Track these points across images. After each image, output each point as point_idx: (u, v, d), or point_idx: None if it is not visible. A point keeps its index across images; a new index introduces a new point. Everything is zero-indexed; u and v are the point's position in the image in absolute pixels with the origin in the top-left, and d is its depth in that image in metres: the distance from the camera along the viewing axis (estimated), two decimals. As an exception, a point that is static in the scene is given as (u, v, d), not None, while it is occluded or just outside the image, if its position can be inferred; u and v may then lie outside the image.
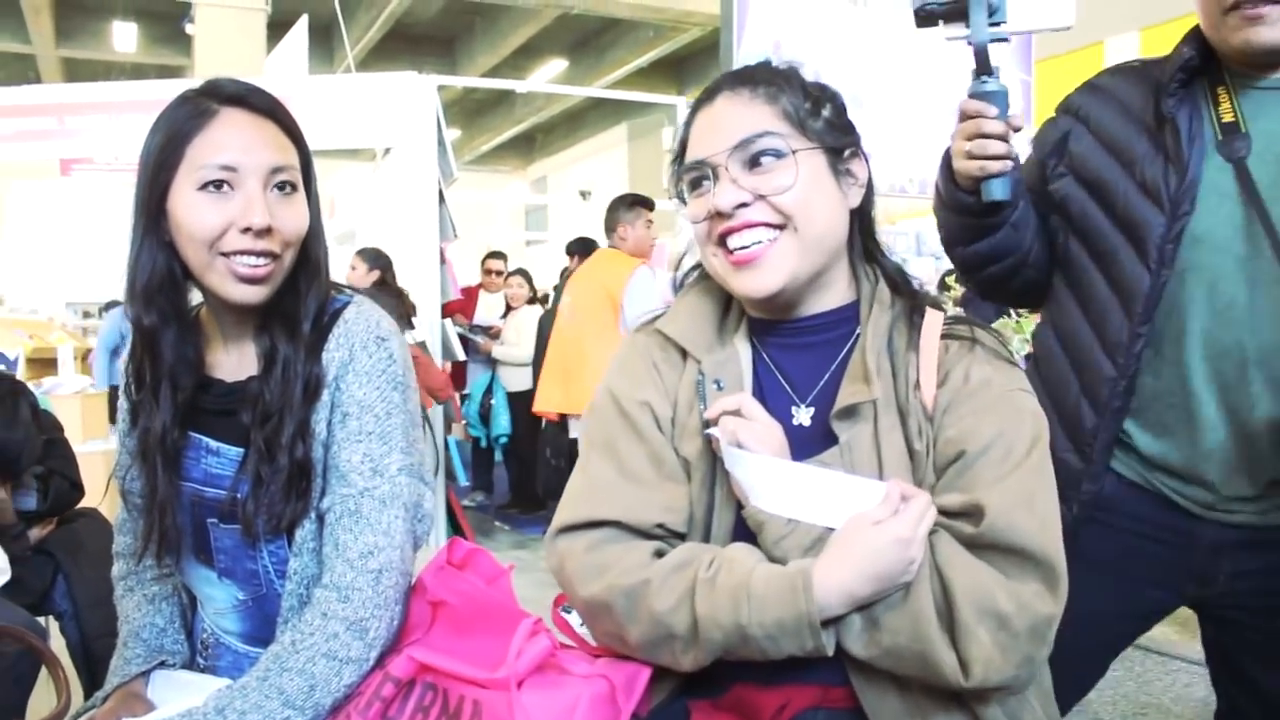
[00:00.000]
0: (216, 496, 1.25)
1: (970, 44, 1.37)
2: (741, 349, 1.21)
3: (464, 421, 6.61)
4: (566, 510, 1.16)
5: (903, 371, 1.13)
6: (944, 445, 1.09)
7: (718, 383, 1.17)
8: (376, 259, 4.66)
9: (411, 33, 14.43)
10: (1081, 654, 1.58)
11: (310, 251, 1.26)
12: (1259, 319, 1.34)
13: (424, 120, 4.78)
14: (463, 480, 6.04)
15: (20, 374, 5.49)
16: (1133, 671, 3.19)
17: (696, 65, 15.01)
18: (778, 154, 1.11)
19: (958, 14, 1.38)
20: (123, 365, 1.33)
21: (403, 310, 4.34)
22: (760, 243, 1.11)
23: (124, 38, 13.43)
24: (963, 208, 1.48)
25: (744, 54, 4.97)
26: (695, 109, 1.20)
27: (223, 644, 1.35)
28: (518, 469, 6.56)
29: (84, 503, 2.74)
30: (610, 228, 4.56)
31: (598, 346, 4.30)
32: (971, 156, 1.39)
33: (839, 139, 1.16)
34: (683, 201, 1.20)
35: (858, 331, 1.18)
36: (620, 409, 1.19)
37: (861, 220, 1.21)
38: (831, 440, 1.11)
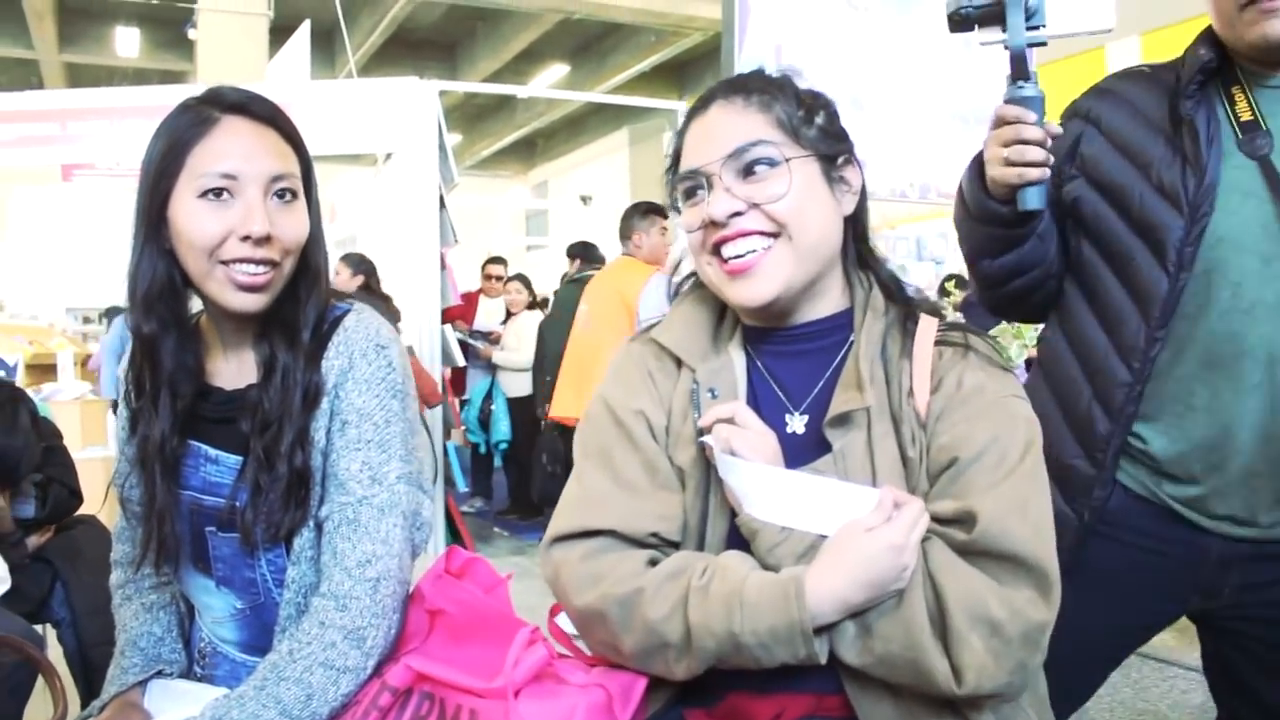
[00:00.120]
0: (215, 504, 1.25)
1: (1007, 48, 1.34)
2: (736, 357, 1.21)
3: (463, 427, 6.62)
4: (561, 520, 1.16)
5: (896, 378, 1.13)
6: (937, 452, 1.09)
7: (712, 391, 1.17)
8: (360, 264, 4.68)
9: (413, 38, 14.44)
10: (1082, 665, 1.57)
11: (310, 259, 1.27)
12: None
13: (425, 125, 4.79)
14: (462, 486, 6.04)
15: (20, 380, 5.49)
16: (1130, 678, 3.18)
17: (698, 70, 15.01)
18: (771, 162, 1.12)
19: (993, 18, 1.34)
20: (122, 373, 1.33)
21: (388, 315, 4.35)
22: (754, 251, 1.12)
23: (127, 43, 13.44)
24: (995, 218, 1.44)
25: (745, 58, 4.98)
26: (689, 118, 1.20)
27: (220, 653, 1.35)
28: (517, 475, 6.56)
29: (83, 509, 2.74)
30: (625, 235, 4.58)
31: (613, 353, 4.30)
32: (1010, 163, 1.35)
33: (832, 146, 1.17)
34: (678, 210, 1.20)
35: (851, 339, 1.18)
36: (615, 418, 1.20)
37: (855, 227, 1.21)
38: (825, 448, 1.11)
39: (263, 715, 1.12)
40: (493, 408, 6.52)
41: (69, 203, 13.35)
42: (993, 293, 1.57)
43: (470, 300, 6.92)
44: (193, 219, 1.17)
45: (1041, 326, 1.67)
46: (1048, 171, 1.35)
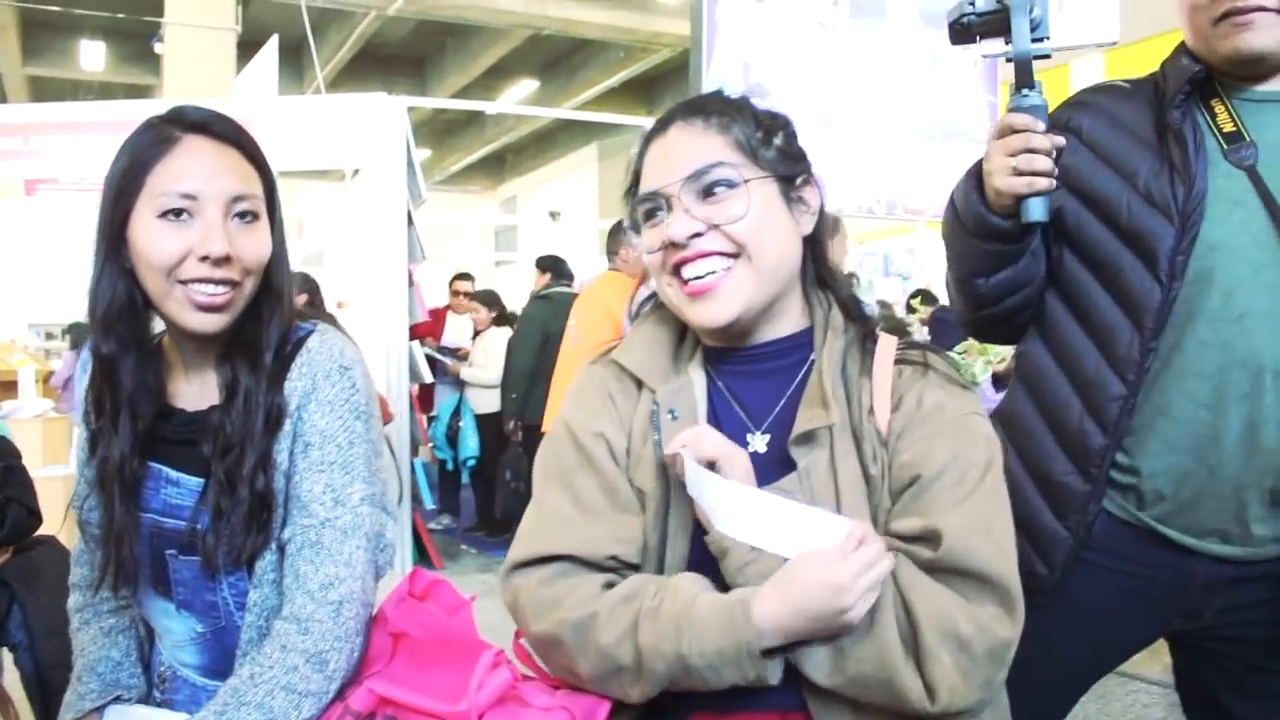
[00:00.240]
0: (176, 527, 1.24)
1: (1011, 58, 1.33)
2: (696, 377, 1.21)
3: (431, 444, 6.59)
4: (520, 547, 1.16)
5: (856, 396, 1.14)
6: (899, 470, 1.10)
7: (672, 412, 1.17)
8: (304, 283, 4.66)
9: (382, 53, 14.42)
10: (1063, 690, 1.57)
11: (273, 280, 1.26)
12: (1278, 327, 1.32)
13: (393, 141, 4.79)
14: (429, 503, 6.01)
15: (-21, 397, 5.41)
16: (1094, 691, 3.19)
17: (666, 86, 15.09)
18: (730, 184, 1.12)
19: (996, 28, 1.34)
20: (82, 393, 1.32)
21: None
22: (714, 272, 1.12)
23: (92, 56, 13.33)
24: (994, 233, 1.41)
25: (713, 75, 5.02)
26: (649, 139, 1.20)
27: (180, 677, 1.33)
28: (485, 491, 6.54)
29: (43, 529, 2.70)
30: (612, 251, 4.61)
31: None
32: (1018, 172, 1.33)
33: (791, 167, 1.18)
34: (637, 232, 1.21)
35: (811, 358, 1.19)
36: (575, 440, 1.19)
37: (814, 247, 1.22)
38: (788, 467, 1.11)
39: (223, 740, 1.11)
40: (461, 424, 6.50)
41: (32, 218, 13.16)
42: (984, 313, 1.54)
43: (438, 316, 6.91)
44: (152, 239, 1.16)
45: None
46: (1054, 181, 1.34)
